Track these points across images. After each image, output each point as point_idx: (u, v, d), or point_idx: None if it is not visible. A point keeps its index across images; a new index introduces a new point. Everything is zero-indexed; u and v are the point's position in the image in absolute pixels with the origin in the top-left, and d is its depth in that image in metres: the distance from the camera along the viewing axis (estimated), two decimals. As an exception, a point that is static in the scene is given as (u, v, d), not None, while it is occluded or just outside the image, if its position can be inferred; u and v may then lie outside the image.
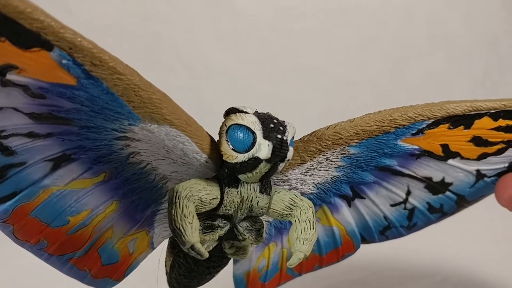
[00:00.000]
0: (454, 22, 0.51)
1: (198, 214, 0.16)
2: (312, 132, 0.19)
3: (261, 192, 0.17)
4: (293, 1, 0.51)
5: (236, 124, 0.16)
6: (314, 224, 0.17)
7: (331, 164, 0.20)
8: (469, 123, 0.19)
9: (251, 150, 0.15)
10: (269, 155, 0.15)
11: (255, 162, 0.15)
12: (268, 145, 0.15)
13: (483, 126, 0.20)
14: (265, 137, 0.15)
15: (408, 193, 0.22)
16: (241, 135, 0.16)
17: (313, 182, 0.20)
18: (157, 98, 0.16)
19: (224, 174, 0.17)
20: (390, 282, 0.31)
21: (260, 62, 0.50)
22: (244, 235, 0.17)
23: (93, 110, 0.15)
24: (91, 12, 0.50)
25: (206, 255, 0.15)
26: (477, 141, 0.20)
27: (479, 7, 0.51)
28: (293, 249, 0.17)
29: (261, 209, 0.17)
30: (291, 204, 0.17)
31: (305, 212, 0.17)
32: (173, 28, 0.50)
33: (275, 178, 0.19)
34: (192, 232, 0.15)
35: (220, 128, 0.17)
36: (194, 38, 0.50)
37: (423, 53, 0.52)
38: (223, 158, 0.16)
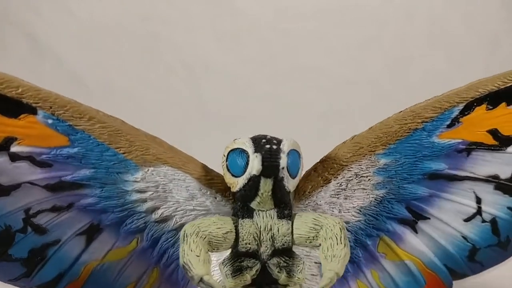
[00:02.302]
0: (454, 22, 0.51)
1: (227, 260, 0.16)
2: (330, 152, 0.18)
3: (279, 218, 0.16)
4: (293, 1, 0.51)
5: (231, 150, 0.16)
6: (342, 239, 0.15)
7: (366, 181, 0.18)
8: (510, 97, 0.16)
9: (247, 170, 0.15)
10: (260, 167, 0.14)
11: (254, 181, 0.15)
12: (257, 156, 0.15)
13: None
14: (255, 151, 0.15)
15: (478, 200, 0.18)
16: (236, 158, 0.15)
17: (353, 207, 0.18)
18: (143, 140, 0.16)
19: (237, 207, 0.16)
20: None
21: (260, 62, 0.50)
22: (277, 273, 0.16)
23: (94, 167, 0.16)
24: (91, 12, 0.50)
25: (218, 286, 0.14)
26: None
27: (479, 7, 0.51)
28: (323, 270, 0.15)
29: (284, 236, 0.16)
30: (315, 225, 0.16)
31: (331, 229, 0.15)
32: (173, 28, 0.50)
33: (302, 206, 0.18)
34: (200, 265, 0.14)
35: (222, 162, 0.16)
36: (194, 38, 0.50)
37: (423, 53, 0.51)
38: (231, 190, 0.16)
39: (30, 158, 0.16)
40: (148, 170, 0.17)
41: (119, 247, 0.18)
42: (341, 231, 0.15)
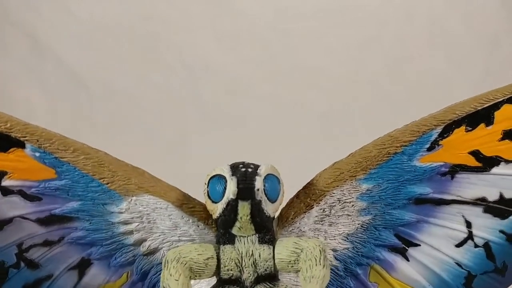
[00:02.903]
0: (454, 22, 0.51)
1: None
2: (312, 178, 0.18)
3: (260, 243, 0.16)
4: (293, 1, 0.51)
5: (211, 177, 0.16)
6: (321, 260, 0.15)
7: (350, 207, 0.17)
8: (488, 117, 0.16)
9: (225, 194, 0.15)
10: (236, 189, 0.15)
11: (232, 205, 0.15)
12: (232, 179, 0.15)
13: (509, 116, 0.16)
14: (232, 175, 0.15)
15: (468, 224, 0.17)
16: (215, 184, 0.16)
17: (339, 234, 0.18)
18: (125, 170, 0.17)
19: (219, 234, 0.16)
20: None
21: (260, 62, 0.50)
22: None
23: (81, 199, 0.17)
24: (91, 12, 0.50)
25: None
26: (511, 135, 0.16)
27: (479, 7, 0.51)
28: None
29: (266, 261, 0.16)
30: (295, 248, 0.16)
31: (311, 251, 0.15)
32: (173, 28, 0.50)
33: (286, 233, 0.18)
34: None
35: (203, 190, 0.16)
36: (194, 38, 0.50)
37: (423, 53, 0.51)
38: (213, 217, 0.16)
39: (21, 192, 0.17)
40: (131, 200, 0.17)
41: (110, 282, 0.18)
42: (320, 253, 0.15)
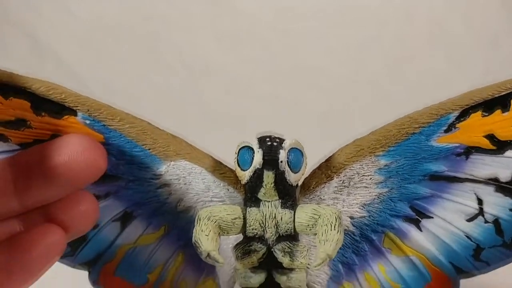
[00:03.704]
0: (454, 22, 0.51)
1: (238, 244, 0.18)
2: (333, 153, 0.19)
3: (282, 207, 0.18)
4: (293, 1, 0.51)
5: (241, 147, 0.17)
6: (336, 226, 0.17)
7: (367, 180, 0.19)
8: (504, 104, 0.17)
9: (252, 164, 0.17)
10: (261, 160, 0.16)
11: (258, 174, 0.17)
12: (258, 151, 0.16)
13: None
14: (259, 147, 0.17)
15: (480, 202, 0.18)
16: (244, 154, 0.17)
17: (356, 203, 0.19)
18: (165, 138, 0.19)
19: (246, 197, 0.18)
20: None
21: (260, 62, 0.50)
22: (282, 257, 0.18)
23: (127, 162, 0.18)
24: (91, 12, 0.50)
25: (222, 261, 0.16)
26: None
27: (479, 7, 0.51)
28: (318, 253, 0.17)
29: (287, 224, 0.18)
30: (314, 214, 0.17)
31: (328, 218, 0.17)
32: (173, 28, 0.50)
33: (307, 200, 0.19)
34: (208, 243, 0.16)
35: (234, 158, 0.18)
36: (194, 38, 0.50)
37: (423, 53, 0.51)
38: (241, 182, 0.18)
39: None
40: (170, 164, 0.19)
41: (149, 233, 0.20)
42: (336, 219, 0.17)
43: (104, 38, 0.50)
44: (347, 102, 0.50)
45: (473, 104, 0.17)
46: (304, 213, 0.18)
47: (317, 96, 0.50)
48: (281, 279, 0.18)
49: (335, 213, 0.17)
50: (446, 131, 0.18)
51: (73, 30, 0.50)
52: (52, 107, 0.17)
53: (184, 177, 0.19)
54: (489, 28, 0.52)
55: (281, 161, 0.16)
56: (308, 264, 0.19)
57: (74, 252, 0.20)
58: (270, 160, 0.16)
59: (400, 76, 0.52)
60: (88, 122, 0.18)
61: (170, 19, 0.50)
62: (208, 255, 0.16)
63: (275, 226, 0.18)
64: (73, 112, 0.17)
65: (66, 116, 0.17)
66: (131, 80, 0.49)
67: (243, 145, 0.17)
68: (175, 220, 0.20)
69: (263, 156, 0.16)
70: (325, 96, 0.50)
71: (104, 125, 0.18)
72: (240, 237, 0.19)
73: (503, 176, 0.18)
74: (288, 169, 0.17)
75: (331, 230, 0.16)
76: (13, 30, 0.50)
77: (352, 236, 0.20)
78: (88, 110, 0.17)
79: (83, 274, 0.21)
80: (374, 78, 0.51)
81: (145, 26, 0.50)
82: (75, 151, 0.16)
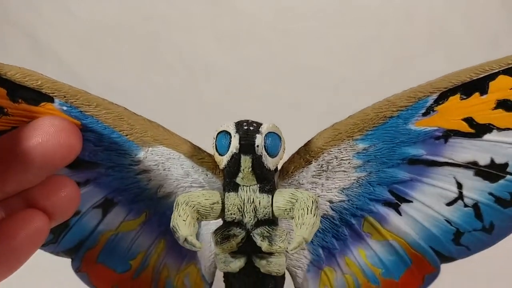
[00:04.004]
0: (454, 22, 0.51)
1: (217, 229, 0.18)
2: (312, 137, 0.19)
3: (260, 192, 0.18)
4: (293, 1, 0.51)
5: (218, 132, 0.17)
6: (312, 210, 0.17)
7: (346, 164, 0.19)
8: (483, 87, 0.17)
9: (229, 149, 0.17)
10: (238, 145, 0.16)
11: (235, 158, 0.17)
12: (235, 136, 0.16)
13: (503, 86, 0.17)
14: (236, 132, 0.16)
15: (459, 186, 0.18)
16: (222, 139, 0.17)
17: (335, 187, 0.19)
18: (142, 124, 0.18)
19: (225, 182, 0.18)
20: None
21: (260, 62, 0.50)
22: (261, 242, 0.18)
23: (106, 149, 0.18)
24: (91, 12, 0.50)
25: (199, 245, 0.16)
26: (505, 105, 0.17)
27: (479, 7, 0.51)
28: (294, 236, 0.17)
29: (265, 208, 0.18)
30: (291, 198, 0.17)
31: (305, 202, 0.17)
32: (173, 28, 0.50)
33: (286, 184, 0.19)
34: (185, 228, 0.16)
35: (212, 143, 0.18)
36: (194, 38, 0.50)
37: (423, 53, 0.51)
38: (220, 168, 0.18)
39: None
40: (148, 150, 0.18)
41: (130, 220, 0.20)
42: (313, 203, 0.17)
43: (104, 38, 0.50)
44: (347, 102, 0.50)
45: (451, 87, 0.17)
46: (281, 197, 0.17)
47: (317, 96, 0.50)
48: (261, 263, 0.18)
49: (312, 197, 0.17)
50: (424, 115, 0.18)
51: (73, 30, 0.50)
52: (29, 94, 0.17)
53: (163, 163, 0.19)
54: (489, 28, 0.52)
55: (258, 146, 0.16)
56: (287, 248, 0.18)
57: (56, 239, 0.20)
58: (247, 145, 0.16)
59: (400, 76, 0.52)
60: (65, 108, 0.17)
61: (170, 19, 0.50)
62: (186, 240, 0.16)
63: (254, 211, 0.18)
64: (50, 99, 0.17)
65: (43, 103, 0.17)
66: (131, 80, 0.49)
67: (221, 129, 0.17)
68: (156, 206, 0.20)
69: (240, 140, 0.16)
70: (325, 96, 0.50)
71: (81, 111, 0.17)
72: (220, 222, 0.19)
73: (482, 160, 0.18)
74: (265, 153, 0.17)
75: (307, 213, 0.16)
76: (13, 30, 0.50)
77: (332, 220, 0.20)
78: (65, 97, 0.17)
79: (67, 263, 0.21)
80: (374, 78, 0.51)
81: (145, 26, 0.50)
82: (47, 133, 0.16)
